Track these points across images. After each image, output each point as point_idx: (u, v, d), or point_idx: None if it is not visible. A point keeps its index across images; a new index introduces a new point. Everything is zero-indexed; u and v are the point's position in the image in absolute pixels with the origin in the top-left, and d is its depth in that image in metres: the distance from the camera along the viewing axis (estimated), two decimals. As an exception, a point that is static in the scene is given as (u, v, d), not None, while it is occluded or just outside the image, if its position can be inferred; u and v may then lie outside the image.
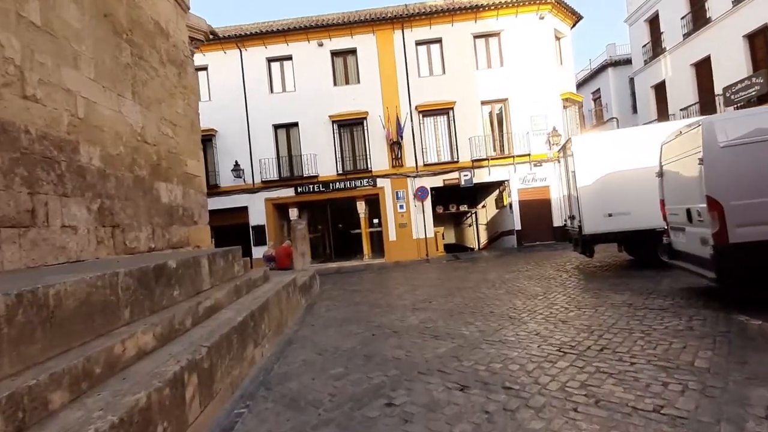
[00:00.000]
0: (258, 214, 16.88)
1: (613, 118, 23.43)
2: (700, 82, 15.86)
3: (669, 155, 6.28)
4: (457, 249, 21.81)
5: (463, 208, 20.34)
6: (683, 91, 16.60)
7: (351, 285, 10.84)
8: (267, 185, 16.80)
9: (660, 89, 18.62)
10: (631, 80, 23.09)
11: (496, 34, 16.93)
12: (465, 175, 16.43)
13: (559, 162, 10.48)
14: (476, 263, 13.08)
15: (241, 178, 16.57)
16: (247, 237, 16.97)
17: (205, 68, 17.16)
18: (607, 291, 6.75)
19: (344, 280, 12.22)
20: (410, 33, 16.68)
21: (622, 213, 8.24)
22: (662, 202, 6.59)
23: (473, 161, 16.40)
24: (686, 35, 16.21)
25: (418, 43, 16.83)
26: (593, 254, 8.69)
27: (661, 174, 6.53)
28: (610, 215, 8.32)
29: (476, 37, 16.93)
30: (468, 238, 24.10)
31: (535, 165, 16.44)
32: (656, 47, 18.54)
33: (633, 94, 23.09)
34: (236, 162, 16.31)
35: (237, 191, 16.88)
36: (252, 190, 16.86)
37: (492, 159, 16.43)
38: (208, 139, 16.98)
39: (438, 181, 16.61)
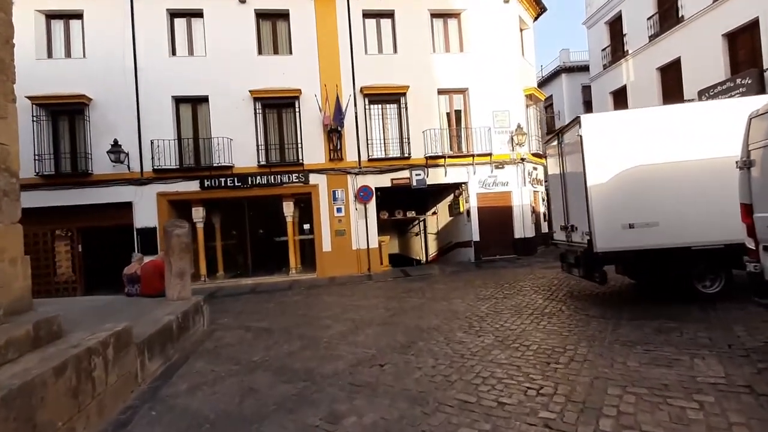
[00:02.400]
0: (147, 213, 12.68)
1: (565, 125, 22.36)
2: (667, 86, 14.79)
3: (763, 135, 3.89)
4: (401, 261, 19.07)
5: (411, 214, 17.68)
6: (647, 96, 15.50)
7: (261, 317, 7.42)
8: (161, 175, 12.70)
9: (620, 95, 17.56)
10: (585, 88, 22.29)
11: (456, 15, 14.60)
12: (417, 175, 13.73)
13: (545, 155, 7.99)
14: (432, 283, 10.28)
15: (123, 163, 12.30)
16: (131, 244, 12.68)
17: (78, 15, 12.73)
18: (677, 348, 4.15)
19: (255, 308, 8.71)
20: (357, 0, 13.73)
21: (648, 224, 5.87)
22: (747, 208, 4.19)
23: (427, 158, 13.76)
24: (652, 37, 15.14)
25: (366, 15, 13.94)
26: (605, 280, 6.21)
27: (748, 164, 4.13)
28: (631, 226, 5.90)
29: (434, 15, 14.45)
30: (414, 248, 21.51)
31: (497, 167, 14.22)
32: (617, 51, 17.51)
33: (586, 102, 22.27)
34: (115, 140, 12.04)
35: (118, 181, 12.55)
36: (139, 180, 12.64)
37: (449, 157, 13.92)
38: (77, 110, 12.54)
39: (385, 181, 13.72)
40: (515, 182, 14.35)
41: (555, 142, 7.44)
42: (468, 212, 14.40)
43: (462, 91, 14.47)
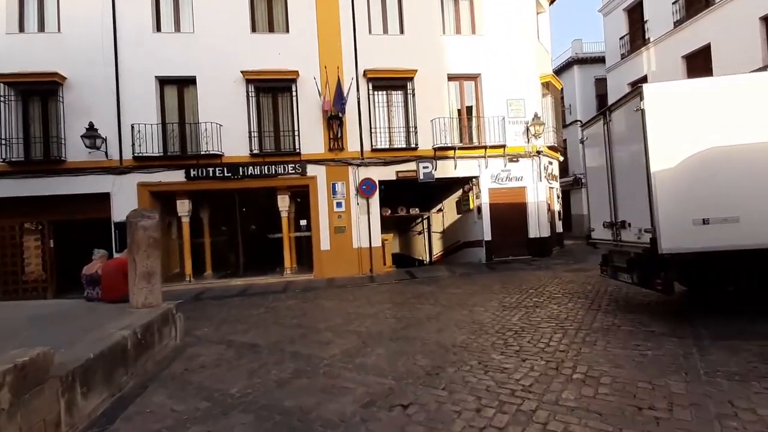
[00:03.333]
0: (126, 205, 11.30)
1: (577, 120, 21.33)
2: (694, 75, 13.70)
3: None
4: (403, 261, 17.91)
5: (414, 211, 16.54)
6: (671, 86, 14.39)
7: (248, 328, 6.23)
8: (143, 164, 11.46)
9: (637, 87, 16.41)
10: (599, 80, 21.25)
11: (468, -6, 13.46)
12: (425, 167, 12.57)
13: (582, 142, 6.88)
14: (444, 287, 9.14)
15: (99, 149, 11.05)
16: (109, 239, 11.44)
17: (52, -15, 11.47)
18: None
19: (243, 314, 7.52)
20: (361, -25, 12.56)
21: (726, 219, 4.74)
22: None
23: (436, 150, 12.60)
24: (678, 23, 14.06)
25: (371, -9, 12.77)
26: (671, 289, 5.06)
27: None
28: (704, 222, 4.77)
29: (444, -7, 13.30)
30: (416, 248, 20.39)
31: (511, 160, 13.09)
32: (636, 39, 16.44)
33: (600, 95, 21.22)
34: (91, 123, 10.78)
35: (94, 170, 11.30)
36: (118, 169, 11.40)
37: (460, 149, 12.77)
38: (49, 90, 11.28)
39: (389, 173, 12.55)
40: (530, 177, 13.22)
41: (598, 124, 6.31)
42: (479, 209, 13.26)
43: (474, 77, 13.32)
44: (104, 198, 11.39)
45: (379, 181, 12.44)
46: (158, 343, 4.72)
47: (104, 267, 5.75)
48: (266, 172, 11.84)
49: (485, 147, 12.81)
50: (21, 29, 11.52)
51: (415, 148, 12.53)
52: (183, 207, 11.98)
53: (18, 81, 10.93)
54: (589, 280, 8.37)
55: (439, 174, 12.70)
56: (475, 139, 13.24)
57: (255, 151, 11.82)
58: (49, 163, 11.14)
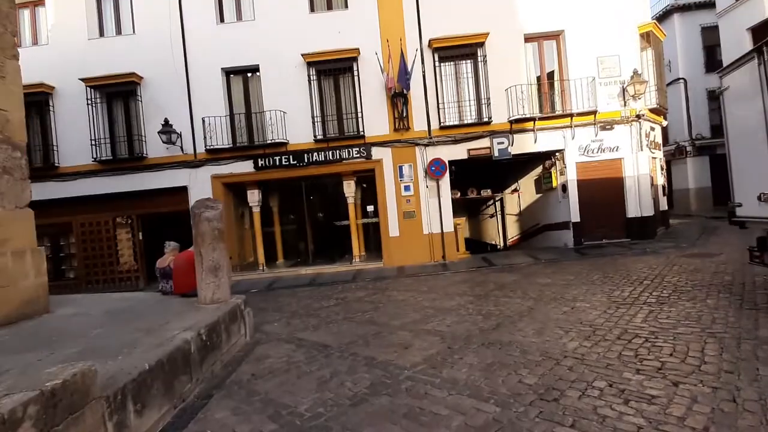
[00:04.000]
0: (201, 196, 11.68)
1: (679, 79, 18.19)
2: None
3: None
4: (474, 246, 16.77)
5: (486, 193, 15.25)
6: (819, 22, 11.39)
7: (318, 324, 5.80)
8: (214, 156, 11.68)
9: (762, 33, 13.33)
10: (706, 29, 17.84)
11: (546, -61, 11.66)
12: (500, 143, 11.30)
13: (721, 93, 5.34)
14: (529, 276, 8.03)
15: (175, 144, 11.42)
16: (189, 230, 11.87)
17: (126, -12, 11.94)
18: None
19: (313, 307, 7.16)
20: (422, -65, 11.41)
21: None
22: None
23: (512, 122, 11.24)
24: (831, -64, 10.93)
25: (433, -48, 11.57)
26: None
27: None
28: None
29: (517, -57, 11.66)
30: (488, 232, 19.09)
31: (604, 128, 11.29)
32: (764, -32, 13.24)
33: (708, 47, 17.85)
34: (166, 120, 11.14)
35: (172, 164, 11.76)
36: (193, 163, 11.73)
37: (540, 119, 11.28)
38: (129, 90, 11.83)
39: (460, 152, 11.48)
40: (628, 146, 11.31)
41: (748, 67, 4.77)
42: (563, 187, 11.70)
43: (555, 36, 11.62)
44: (182, 191, 11.82)
45: (449, 162, 11.44)
46: (226, 342, 4.39)
47: (175, 260, 5.63)
48: (330, 157, 11.44)
49: (571, 115, 11.16)
50: (101, 34, 12.20)
51: (488, 123, 11.29)
52: (253, 197, 12.07)
53: (101, 84, 11.60)
54: (723, 269, 6.74)
55: (516, 150, 11.35)
56: (558, 108, 11.62)
57: (319, 137, 11.45)
58: (133, 160, 11.78)
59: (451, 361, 3.83)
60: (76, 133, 11.66)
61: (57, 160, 11.84)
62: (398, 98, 11.23)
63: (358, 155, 11.42)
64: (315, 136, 11.44)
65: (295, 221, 13.52)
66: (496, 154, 11.32)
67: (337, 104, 11.91)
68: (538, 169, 13.11)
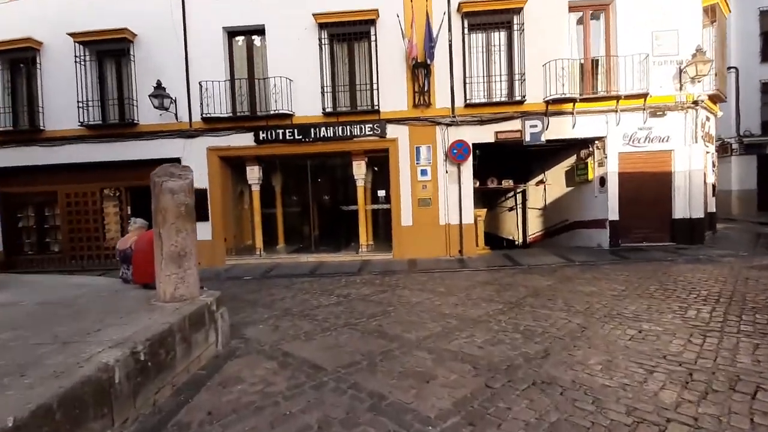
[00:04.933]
0: (197, 171, 10.40)
1: (731, 68, 16.43)
2: None
3: None
4: (490, 240, 15.47)
5: (507, 184, 13.89)
6: None
7: (312, 330, 4.64)
8: (211, 126, 10.51)
9: None
10: (764, 14, 16.02)
11: None
12: (533, 126, 9.94)
13: None
14: (564, 281, 6.79)
15: (168, 111, 10.25)
16: (181, 207, 10.81)
17: (120, -68, 10.64)
18: None
19: (309, 303, 6.03)
20: None
21: None
22: None
23: (548, 103, 9.85)
24: None
25: None
26: None
27: None
28: None
29: None
30: (505, 226, 17.76)
31: (654, 114, 9.84)
32: None
33: (765, 33, 16.05)
34: (158, 82, 9.96)
35: (164, 133, 10.62)
36: (188, 132, 10.58)
37: (582, 101, 9.86)
38: (122, 50, 10.63)
39: (486, 134, 10.14)
40: (680, 137, 9.87)
41: None
42: (601, 180, 10.33)
43: (604, 5, 10.11)
44: (176, 164, 10.68)
45: (473, 145, 10.12)
46: (184, 357, 3.27)
47: (137, 242, 4.49)
48: (340, 133, 10.19)
49: (617, 97, 9.72)
50: (94, -15, 10.97)
51: (521, 102, 9.91)
52: (253, 174, 10.91)
53: (92, 40, 10.42)
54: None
55: (550, 134, 9.99)
56: (602, 88, 10.18)
57: (328, 110, 10.19)
58: (124, 126, 10.67)
59: (496, 413, 2.65)
60: (63, 95, 10.56)
61: (42, 123, 10.79)
62: (420, 69, 9.88)
63: (371, 132, 10.15)
64: (324, 109, 10.18)
65: (298, 203, 12.36)
66: (528, 138, 9.96)
67: (351, 74, 10.60)
68: (571, 159, 11.71)
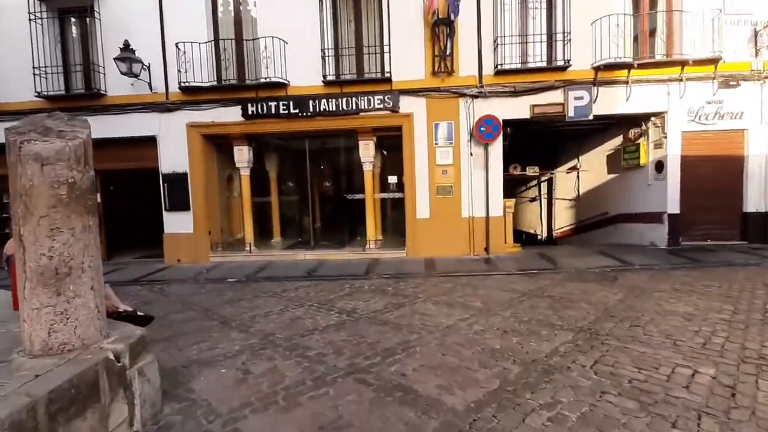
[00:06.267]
0: (175, 152, 9.04)
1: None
2: None
3: None
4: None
5: (533, 170, 12.15)
6: None
7: (303, 381, 3.05)
8: (191, 98, 8.85)
9: None
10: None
11: None
12: (578, 98, 8.20)
13: None
14: (639, 292, 5.15)
15: (139, 78, 8.59)
16: (157, 194, 9.27)
17: None
18: None
19: (301, 325, 4.43)
20: None
21: None
22: None
23: (597, 69, 8.10)
24: None
25: None
26: None
27: None
28: None
29: None
30: (527, 218, 16.10)
31: (727, 84, 8.06)
32: None
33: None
34: (126, 43, 8.28)
35: (137, 106, 8.98)
36: (164, 105, 8.93)
37: (639, 67, 8.09)
38: (83, 7, 8.91)
39: (520, 108, 8.41)
40: (756, 113, 8.11)
41: None
42: (658, 165, 8.61)
43: (669, -50, 8.27)
44: (151, 143, 9.09)
45: (504, 121, 8.40)
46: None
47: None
48: (344, 107, 8.50)
49: (682, 63, 7.95)
50: (54, -70, 9.23)
51: (564, 68, 8.16)
52: (241, 155, 9.27)
53: (48, -7, 8.75)
54: None
55: (599, 109, 8.25)
56: (660, 52, 8.39)
57: (330, 77, 8.49)
58: (90, 97, 9.03)
59: None
60: (19, 61, 8.91)
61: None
62: (441, 28, 8.12)
63: (381, 106, 8.45)
64: (324, 77, 8.48)
65: (295, 190, 10.74)
66: (571, 113, 8.23)
67: (357, 34, 8.85)
68: (616, 140, 9.98)
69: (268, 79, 8.47)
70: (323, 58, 8.47)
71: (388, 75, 8.39)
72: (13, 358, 2.09)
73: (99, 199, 9.68)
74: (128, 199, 10.66)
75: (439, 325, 4.23)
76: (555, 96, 8.27)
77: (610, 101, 8.25)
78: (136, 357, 2.33)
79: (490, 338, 3.80)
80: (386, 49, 8.40)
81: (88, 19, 9.15)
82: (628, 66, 8.03)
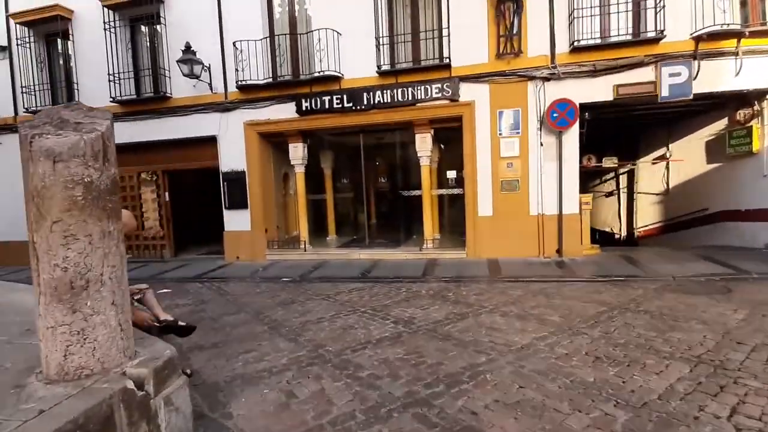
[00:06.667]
0: (234, 151, 9.15)
1: None
2: None
3: None
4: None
5: (610, 162, 10.75)
6: None
7: (353, 407, 2.62)
8: (248, 96, 8.87)
9: None
10: None
11: None
12: (674, 74, 6.94)
13: None
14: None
15: (200, 78, 8.75)
16: (218, 193, 9.47)
17: None
18: None
19: (355, 337, 4.02)
20: None
21: None
22: None
23: (698, 39, 6.79)
24: None
25: None
26: None
27: None
28: None
29: None
30: (600, 215, 14.48)
31: None
32: None
33: None
34: (187, 45, 8.45)
35: (199, 107, 9.20)
36: (223, 105, 9.05)
37: (750, 36, 6.66)
38: (152, 14, 9.26)
39: (601, 90, 7.33)
40: None
41: None
42: (779, 151, 7.08)
43: None
44: (210, 143, 9.28)
45: (581, 106, 7.38)
46: None
47: None
48: (400, 98, 7.99)
49: (818, 24, 6.40)
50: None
51: (656, 40, 6.96)
52: (296, 152, 9.14)
53: (119, 2, 9.20)
54: None
55: (699, 87, 6.93)
56: (786, 14, 6.86)
57: (384, 67, 8.03)
58: (158, 100, 9.42)
59: None
60: (95, 67, 9.53)
61: (78, 100, 9.88)
62: (507, 4, 7.31)
63: (440, 95, 7.83)
64: (379, 67, 8.03)
65: (349, 187, 10.47)
66: (665, 93, 6.99)
67: (413, 19, 8.29)
68: (719, 124, 8.45)
69: (321, 73, 8.21)
70: (377, 47, 8.02)
71: (447, 61, 7.73)
72: (29, 383, 1.86)
73: (167, 198, 10.16)
74: (195, 198, 11.06)
75: (512, 345, 3.59)
76: (644, 74, 7.09)
77: (715, 77, 6.89)
78: (163, 383, 2.02)
79: (579, 367, 3.10)
80: (445, 32, 7.75)
81: (155, 25, 9.52)
82: (737, 34, 6.65)
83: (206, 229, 10.66)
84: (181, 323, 3.08)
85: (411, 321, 4.44)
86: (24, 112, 10.08)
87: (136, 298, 2.97)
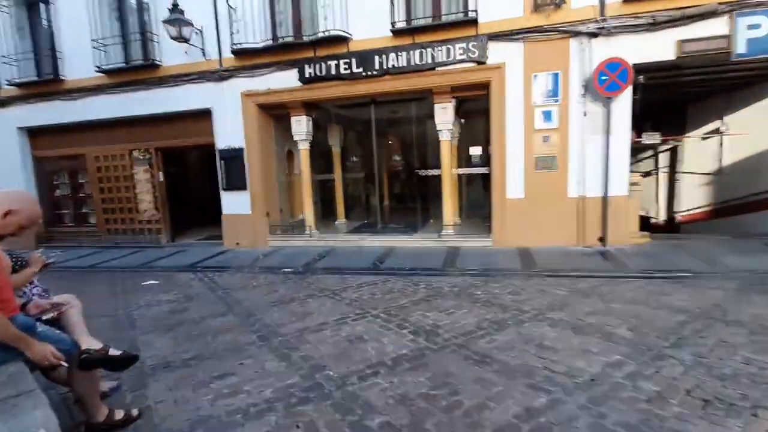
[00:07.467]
0: (231, 124, 8.19)
1: None
2: None
3: None
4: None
5: (652, 138, 9.43)
6: None
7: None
8: (245, 62, 7.85)
9: None
10: None
11: None
12: (753, 25, 5.67)
13: None
14: None
15: (189, 42, 7.72)
16: (213, 172, 8.58)
17: None
18: None
19: (365, 350, 3.11)
20: None
21: None
22: None
23: (792, -20, 5.49)
24: None
25: None
26: None
27: None
28: None
29: None
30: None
31: None
32: None
33: None
34: (174, 4, 7.40)
35: (191, 76, 8.22)
36: (218, 73, 8.04)
37: None
38: (135, -35, 8.21)
39: (661, 46, 6.08)
40: None
41: None
42: None
43: None
44: (204, 116, 8.34)
45: (634, 67, 6.16)
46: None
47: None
48: (417, 60, 6.88)
49: None
50: None
51: (733, -16, 5.66)
52: (300, 127, 8.14)
53: (101, -43, 8.18)
54: None
55: (786, 40, 5.65)
56: None
57: (399, 25, 6.90)
58: (147, 69, 8.47)
59: None
60: (78, 34, 8.60)
61: (63, 71, 9.03)
62: (548, -56, 6.05)
63: (464, 56, 6.68)
64: (393, 25, 6.89)
65: (360, 166, 9.49)
66: (742, 49, 5.75)
67: (434, -33, 7.08)
68: (795, 90, 7.14)
69: (327, 33, 7.12)
70: (391, 1, 6.86)
71: (473, 15, 6.55)
72: None
73: (161, 178, 9.34)
74: (195, 178, 10.23)
75: (577, 375, 2.64)
76: (715, 26, 5.82)
77: (808, 27, 5.61)
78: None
79: (685, 416, 2.14)
80: (471, -19, 6.55)
81: (140, -18, 8.49)
82: None
83: (207, 213, 9.84)
84: (113, 353, 2.20)
85: (434, 331, 3.52)
86: (6, 84, 9.28)
87: (46, 317, 2.07)
